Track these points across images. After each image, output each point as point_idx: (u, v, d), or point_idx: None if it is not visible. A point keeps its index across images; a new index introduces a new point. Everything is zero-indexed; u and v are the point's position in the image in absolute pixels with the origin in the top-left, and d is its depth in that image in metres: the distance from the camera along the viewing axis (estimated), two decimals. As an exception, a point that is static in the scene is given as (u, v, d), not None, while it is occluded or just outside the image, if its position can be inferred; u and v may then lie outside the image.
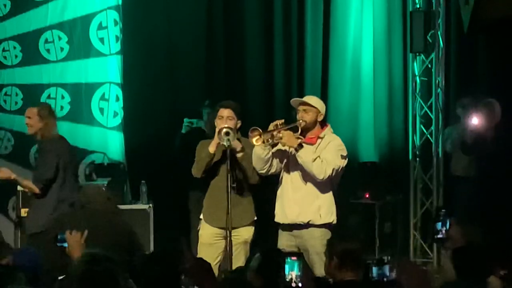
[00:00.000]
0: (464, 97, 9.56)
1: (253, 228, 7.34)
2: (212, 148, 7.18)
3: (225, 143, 7.06)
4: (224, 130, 7.09)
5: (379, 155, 10.16)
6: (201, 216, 7.45)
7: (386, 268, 4.21)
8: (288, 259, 4.41)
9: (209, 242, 7.28)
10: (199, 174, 7.28)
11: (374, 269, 4.22)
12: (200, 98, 9.58)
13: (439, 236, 4.61)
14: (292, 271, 4.34)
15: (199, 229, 7.42)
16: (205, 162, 7.21)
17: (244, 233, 7.25)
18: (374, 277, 4.24)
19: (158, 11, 10.16)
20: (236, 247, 7.12)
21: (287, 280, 4.35)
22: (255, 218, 7.38)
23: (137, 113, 10.14)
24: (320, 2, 10.17)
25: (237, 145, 7.21)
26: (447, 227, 4.47)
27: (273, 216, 7.33)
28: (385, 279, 4.25)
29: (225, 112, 7.28)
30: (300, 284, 4.31)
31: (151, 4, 10.16)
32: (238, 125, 7.29)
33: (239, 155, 7.23)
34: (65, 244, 6.10)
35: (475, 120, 9.10)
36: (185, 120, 7.91)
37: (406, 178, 10.00)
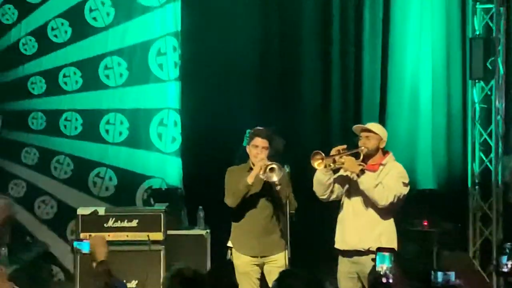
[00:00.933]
0: None
1: (286, 253, 7.31)
2: (250, 180, 7.22)
3: (274, 180, 7.16)
4: (270, 167, 7.18)
5: (438, 183, 10.09)
6: (230, 244, 7.48)
7: (452, 275, 4.13)
8: (380, 253, 4.37)
9: (245, 270, 7.33)
10: (234, 205, 7.30)
11: (439, 274, 4.16)
12: (256, 123, 9.56)
13: (504, 270, 4.47)
14: (383, 264, 4.25)
15: (229, 258, 7.46)
16: (242, 193, 7.25)
17: (280, 259, 7.26)
18: (438, 283, 4.17)
19: (215, 37, 10.20)
20: (274, 274, 6.97)
21: (379, 272, 4.32)
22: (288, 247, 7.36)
23: (195, 138, 10.18)
24: (378, 27, 10.16)
25: (277, 177, 7.22)
26: None
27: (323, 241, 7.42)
28: (450, 284, 4.18)
29: (259, 141, 7.34)
30: (391, 276, 4.24)
31: (209, 31, 10.21)
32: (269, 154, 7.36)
33: (278, 188, 7.23)
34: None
35: None
36: (247, 131, 7.92)
37: (465, 206, 9.92)
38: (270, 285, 6.88)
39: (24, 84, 10.50)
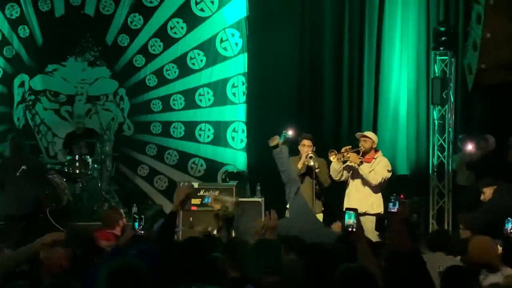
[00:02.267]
0: (462, 134, 9.41)
1: (322, 215, 7.42)
2: (300, 166, 7.36)
3: (311, 164, 7.27)
4: (309, 155, 7.31)
5: (410, 170, 9.91)
6: (288, 206, 7.44)
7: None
8: (347, 212, 3.91)
9: None
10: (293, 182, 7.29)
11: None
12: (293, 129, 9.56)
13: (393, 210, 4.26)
14: (350, 219, 3.88)
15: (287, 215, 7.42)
16: (296, 174, 7.27)
17: (318, 217, 7.23)
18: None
19: (269, 74, 10.14)
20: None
21: (346, 226, 3.85)
22: (323, 208, 7.46)
23: (255, 140, 10.08)
24: (372, 69, 9.96)
25: (316, 164, 7.32)
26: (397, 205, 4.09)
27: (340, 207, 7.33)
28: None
29: (306, 142, 7.46)
30: (354, 229, 3.81)
31: (265, 71, 10.16)
32: (314, 150, 7.42)
33: (316, 170, 7.35)
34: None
35: (469, 147, 8.97)
36: (283, 132, 8.11)
37: (427, 186, 9.79)
38: None
39: (148, 105, 10.39)
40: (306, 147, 7.45)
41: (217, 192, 7.93)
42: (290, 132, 7.95)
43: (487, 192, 6.26)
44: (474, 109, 9.72)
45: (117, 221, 6.19)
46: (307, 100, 10.24)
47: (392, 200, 4.09)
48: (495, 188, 6.12)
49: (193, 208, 8.59)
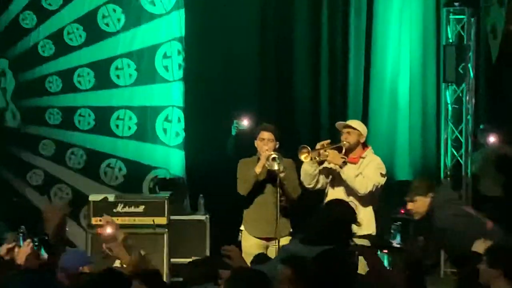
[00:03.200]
0: (484, 124, 9.64)
1: (290, 238, 7.37)
2: (258, 170, 7.37)
3: (275, 168, 7.30)
4: (272, 156, 7.32)
5: (414, 175, 10.00)
6: (242, 228, 7.58)
7: None
8: None
9: (252, 252, 7.14)
10: (245, 193, 7.46)
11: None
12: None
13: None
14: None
15: (240, 240, 7.54)
16: (252, 182, 7.41)
17: (284, 242, 7.20)
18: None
19: (216, 42, 10.22)
20: (274, 253, 7.18)
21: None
22: (291, 230, 7.53)
23: (196, 133, 10.17)
24: (362, 35, 10.19)
25: (280, 167, 7.34)
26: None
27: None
28: None
29: (265, 135, 7.46)
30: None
31: (210, 37, 10.21)
32: (276, 146, 7.45)
33: (281, 175, 7.34)
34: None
35: (496, 141, 9.19)
36: (234, 122, 8.13)
37: None
38: None
39: (42, 83, 10.47)
40: (265, 143, 7.45)
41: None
42: (245, 122, 7.96)
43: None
44: (502, 88, 9.93)
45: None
46: (272, 78, 10.37)
47: (394, 231, 4.26)
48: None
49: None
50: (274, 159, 7.32)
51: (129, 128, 10.47)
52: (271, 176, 7.43)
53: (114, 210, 8.51)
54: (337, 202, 6.12)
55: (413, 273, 4.45)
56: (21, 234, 5.93)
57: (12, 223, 9.22)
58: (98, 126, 10.50)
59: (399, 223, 4.27)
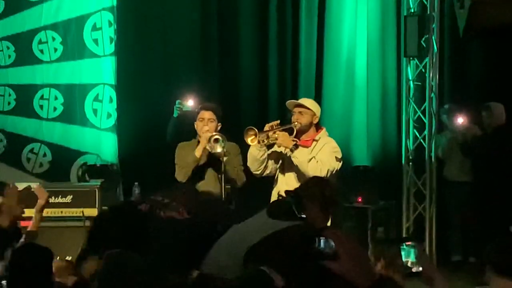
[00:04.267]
0: (449, 103, 9.65)
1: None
2: (198, 153, 7.29)
3: (218, 150, 7.22)
4: (214, 137, 7.24)
5: (372, 159, 10.14)
6: None
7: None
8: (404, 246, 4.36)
9: None
10: (184, 179, 7.33)
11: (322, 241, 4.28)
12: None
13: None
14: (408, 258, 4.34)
15: None
16: (191, 167, 7.30)
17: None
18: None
19: (152, 12, 10.19)
20: None
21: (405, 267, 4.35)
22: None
23: (130, 114, 10.16)
24: (314, 5, 10.16)
25: (223, 149, 7.27)
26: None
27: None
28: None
29: (206, 114, 7.42)
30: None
31: (146, 6, 10.19)
32: (218, 127, 7.43)
33: (224, 158, 7.26)
34: None
35: (462, 122, 9.18)
36: (177, 102, 7.94)
37: (399, 183, 9.95)
38: None
39: None
40: (206, 123, 7.37)
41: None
42: (190, 103, 7.83)
43: None
44: (468, 64, 9.96)
45: None
46: (215, 52, 10.32)
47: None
48: None
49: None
50: (216, 140, 7.23)
51: (55, 109, 10.45)
52: (212, 161, 7.31)
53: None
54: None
55: None
56: None
57: None
58: (19, 106, 10.49)
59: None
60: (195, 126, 7.46)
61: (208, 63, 10.33)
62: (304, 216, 4.79)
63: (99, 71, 10.38)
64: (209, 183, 7.31)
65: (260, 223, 5.11)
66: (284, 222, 4.89)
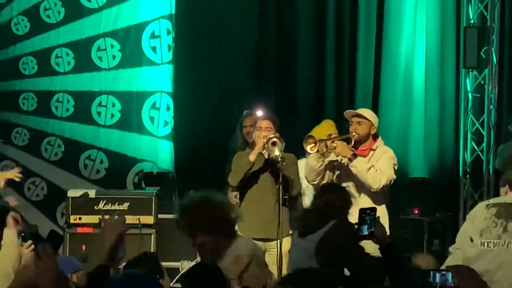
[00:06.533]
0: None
1: (291, 239, 7.18)
2: (252, 157, 7.27)
3: (276, 153, 7.19)
4: (273, 140, 7.23)
5: (429, 171, 10.08)
6: (236, 228, 7.48)
7: (449, 275, 4.24)
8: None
9: None
10: (236, 183, 7.37)
11: (437, 275, 4.23)
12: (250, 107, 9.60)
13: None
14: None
15: None
16: (244, 171, 7.29)
17: (284, 244, 7.17)
18: (435, 283, 4.26)
19: (210, 21, 10.26)
20: (275, 259, 7.10)
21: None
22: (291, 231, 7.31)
23: (187, 122, 10.22)
24: (373, 15, 10.17)
25: (281, 153, 7.25)
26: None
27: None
28: (447, 285, 4.28)
29: (263, 123, 7.42)
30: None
31: (203, 14, 10.25)
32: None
33: (282, 164, 7.22)
34: None
35: None
36: (245, 112, 8.06)
37: (456, 195, 9.95)
38: None
39: (16, 64, 10.50)
40: (262, 132, 7.35)
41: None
42: (259, 113, 7.84)
43: None
44: None
45: None
46: (272, 61, 10.38)
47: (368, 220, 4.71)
48: None
49: (88, 229, 8.55)
50: (274, 143, 7.22)
51: (112, 116, 10.52)
52: (269, 166, 7.33)
53: (96, 208, 8.60)
54: (327, 186, 6.51)
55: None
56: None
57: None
58: (77, 113, 10.53)
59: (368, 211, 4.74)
60: (252, 135, 7.51)
61: (264, 73, 10.40)
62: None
63: (156, 78, 10.43)
64: (264, 188, 7.34)
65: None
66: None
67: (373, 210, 4.89)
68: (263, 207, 7.31)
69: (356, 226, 4.95)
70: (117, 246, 4.54)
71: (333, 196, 6.16)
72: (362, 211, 4.86)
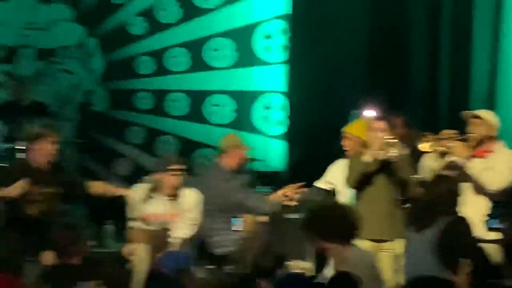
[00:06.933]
0: None
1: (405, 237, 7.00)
2: (369, 158, 7.13)
3: (393, 154, 7.03)
4: (390, 140, 7.08)
5: None
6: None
7: None
8: None
9: None
10: (354, 184, 7.25)
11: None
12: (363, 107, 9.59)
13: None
14: None
15: None
16: (361, 170, 7.17)
17: (397, 247, 7.06)
18: None
19: (325, 21, 10.31)
20: (385, 262, 6.99)
21: None
22: None
23: (302, 122, 10.30)
24: (489, 13, 10.03)
25: (398, 153, 7.10)
26: None
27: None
28: None
29: (378, 125, 7.28)
30: None
31: (319, 15, 10.33)
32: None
33: (398, 165, 7.11)
34: None
35: None
36: (353, 112, 8.09)
37: None
38: None
39: (132, 64, 10.76)
40: (378, 133, 7.19)
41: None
42: (367, 113, 7.87)
43: None
44: None
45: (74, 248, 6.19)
46: (384, 62, 10.37)
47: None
48: None
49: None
50: (391, 144, 7.07)
51: (226, 115, 10.74)
52: (384, 167, 7.20)
53: None
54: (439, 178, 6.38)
55: None
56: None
57: (96, 215, 9.44)
58: (191, 112, 10.78)
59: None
60: (367, 136, 7.31)
61: (378, 72, 10.36)
62: None
63: (269, 78, 10.57)
64: (379, 190, 7.21)
65: None
66: None
67: (507, 205, 4.75)
68: (377, 208, 7.17)
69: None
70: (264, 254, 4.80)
71: (446, 189, 6.12)
72: (495, 205, 4.72)
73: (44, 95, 10.39)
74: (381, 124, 7.33)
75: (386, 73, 10.34)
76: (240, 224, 7.08)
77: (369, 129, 7.38)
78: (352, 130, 7.55)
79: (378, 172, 7.26)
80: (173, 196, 7.21)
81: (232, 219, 7.25)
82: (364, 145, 7.35)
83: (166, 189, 7.22)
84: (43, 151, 6.93)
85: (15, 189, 6.72)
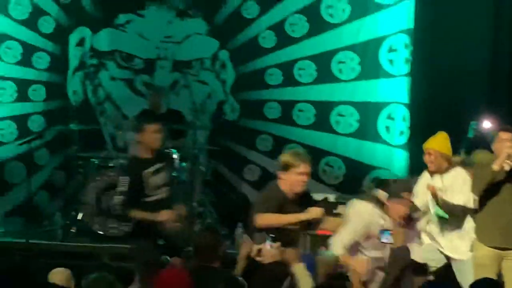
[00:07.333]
0: None
1: None
2: (496, 167, 7.11)
3: None
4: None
5: None
6: (473, 235, 7.37)
7: None
8: None
9: (484, 263, 7.13)
10: (479, 193, 7.25)
11: None
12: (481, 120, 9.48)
13: None
14: None
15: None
16: (487, 179, 7.16)
17: None
18: None
19: (447, 35, 10.37)
20: (511, 269, 7.08)
21: None
22: None
23: (422, 133, 9.98)
24: None
25: None
26: None
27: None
28: None
29: (505, 135, 7.30)
30: None
31: (441, 29, 10.37)
32: None
33: None
34: None
35: None
36: (473, 123, 8.17)
37: None
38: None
39: (262, 75, 10.96)
40: (505, 143, 7.24)
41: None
42: (486, 124, 8.01)
43: None
44: None
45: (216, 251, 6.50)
46: (505, 77, 10.43)
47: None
48: None
49: (327, 232, 8.97)
50: None
51: (350, 125, 10.83)
52: (510, 178, 7.22)
53: (334, 211, 8.83)
54: None
55: None
56: (270, 236, 6.64)
57: (227, 219, 9.92)
58: (318, 121, 10.90)
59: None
60: (493, 147, 7.35)
61: (498, 85, 10.40)
62: None
63: (392, 90, 10.61)
64: (504, 199, 7.21)
65: None
66: None
67: None
68: (501, 217, 7.18)
69: None
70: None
71: None
72: None
73: (180, 104, 10.77)
74: (509, 135, 7.34)
75: (507, 87, 10.36)
76: (389, 237, 7.17)
77: (497, 140, 7.36)
78: (434, 145, 7.69)
79: (504, 181, 7.24)
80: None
81: (382, 232, 7.30)
82: (447, 159, 7.61)
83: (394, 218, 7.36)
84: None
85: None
